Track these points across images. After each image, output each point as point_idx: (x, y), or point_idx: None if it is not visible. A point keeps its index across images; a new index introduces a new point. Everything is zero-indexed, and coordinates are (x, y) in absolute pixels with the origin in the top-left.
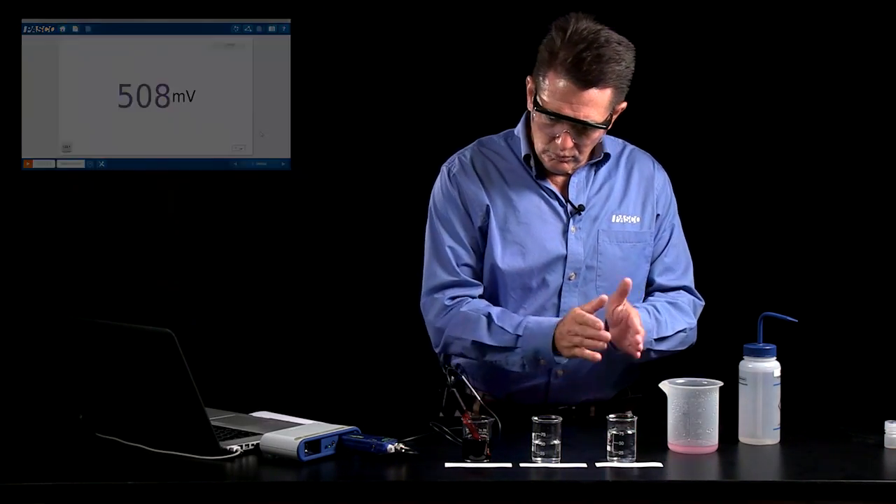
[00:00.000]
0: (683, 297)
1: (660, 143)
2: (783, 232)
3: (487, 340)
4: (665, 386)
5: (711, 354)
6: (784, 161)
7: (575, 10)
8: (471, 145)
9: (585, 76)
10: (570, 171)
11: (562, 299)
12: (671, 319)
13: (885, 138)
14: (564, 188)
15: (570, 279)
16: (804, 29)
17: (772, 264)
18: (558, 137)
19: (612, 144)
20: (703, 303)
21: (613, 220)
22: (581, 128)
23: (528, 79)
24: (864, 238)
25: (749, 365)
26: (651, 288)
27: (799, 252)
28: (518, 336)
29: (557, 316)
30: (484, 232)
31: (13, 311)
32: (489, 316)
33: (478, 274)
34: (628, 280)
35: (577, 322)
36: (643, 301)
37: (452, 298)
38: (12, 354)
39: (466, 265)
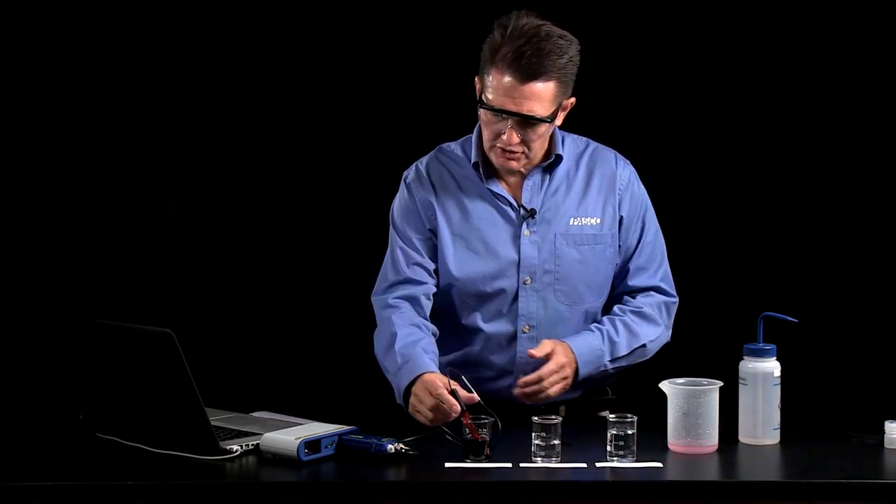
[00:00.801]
0: (652, 300)
1: (662, 144)
2: (782, 232)
3: (383, 360)
4: (665, 386)
5: (711, 354)
6: (784, 161)
7: (559, 14)
8: (430, 153)
9: (526, 69)
10: (520, 170)
11: (519, 304)
12: (629, 338)
13: (884, 138)
14: (518, 192)
15: (525, 283)
16: (805, 26)
17: (772, 264)
18: (504, 134)
19: (574, 144)
20: (677, 299)
21: (571, 223)
22: (526, 122)
23: (476, 79)
24: (864, 238)
25: (749, 365)
26: (625, 291)
27: (799, 252)
28: (400, 367)
29: (516, 321)
30: (437, 236)
31: (13, 311)
32: (394, 336)
33: (430, 272)
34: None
35: (427, 392)
36: (612, 304)
37: (396, 298)
38: (12, 354)
39: (417, 264)
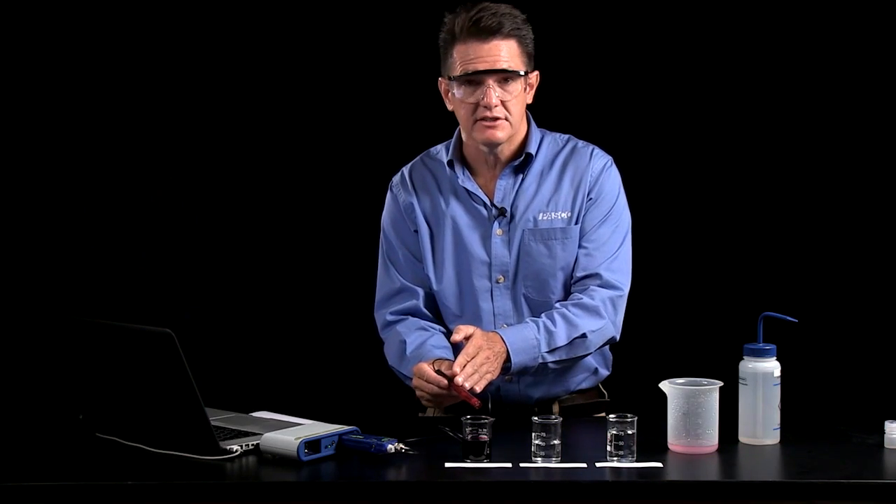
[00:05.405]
0: (596, 294)
1: (662, 144)
2: (783, 232)
3: (399, 367)
4: (665, 386)
5: (711, 354)
6: (784, 161)
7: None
8: (417, 157)
9: (486, 30)
10: (502, 138)
11: (494, 303)
12: (568, 328)
13: (884, 138)
14: (492, 191)
15: (498, 282)
16: (804, 24)
17: (772, 264)
18: (483, 98)
19: (553, 143)
20: (623, 291)
21: (541, 218)
22: (501, 79)
23: (440, 80)
24: (864, 238)
25: (749, 365)
26: (572, 280)
27: (799, 252)
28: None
29: (493, 320)
30: (419, 237)
31: (13, 311)
32: (404, 343)
33: (420, 277)
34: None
35: (417, 377)
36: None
37: (393, 314)
38: (12, 354)
39: (408, 270)
